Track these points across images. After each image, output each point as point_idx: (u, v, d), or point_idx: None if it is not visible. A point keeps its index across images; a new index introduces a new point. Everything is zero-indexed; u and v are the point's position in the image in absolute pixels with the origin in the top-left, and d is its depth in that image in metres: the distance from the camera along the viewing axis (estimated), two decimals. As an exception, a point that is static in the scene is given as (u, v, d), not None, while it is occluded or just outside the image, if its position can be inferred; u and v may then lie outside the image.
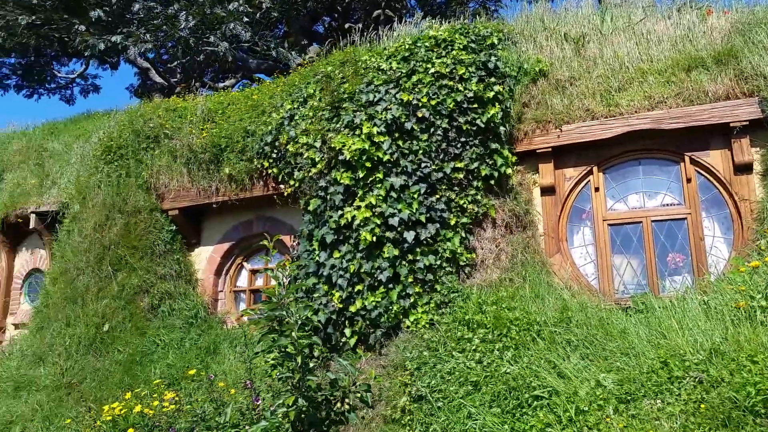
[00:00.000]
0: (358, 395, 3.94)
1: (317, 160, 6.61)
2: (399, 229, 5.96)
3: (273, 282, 7.91)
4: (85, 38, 11.29)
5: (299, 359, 3.68)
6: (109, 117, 9.99)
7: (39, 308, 8.34)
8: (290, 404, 3.63)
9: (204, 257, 8.30)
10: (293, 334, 3.73)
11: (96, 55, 12.30)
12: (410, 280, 5.89)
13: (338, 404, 3.91)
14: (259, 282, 8.21)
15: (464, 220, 6.20)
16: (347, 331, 6.00)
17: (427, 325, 5.75)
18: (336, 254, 6.13)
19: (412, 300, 5.86)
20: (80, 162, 9.18)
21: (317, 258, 6.27)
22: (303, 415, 3.73)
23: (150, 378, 6.47)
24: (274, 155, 7.32)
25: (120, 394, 6.35)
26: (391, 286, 5.89)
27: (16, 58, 16.25)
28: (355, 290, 5.98)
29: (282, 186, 7.27)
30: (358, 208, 6.07)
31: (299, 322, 3.79)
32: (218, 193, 7.87)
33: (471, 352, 5.14)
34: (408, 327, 5.82)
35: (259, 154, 7.48)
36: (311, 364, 3.80)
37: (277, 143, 7.27)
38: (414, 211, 5.99)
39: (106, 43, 11.22)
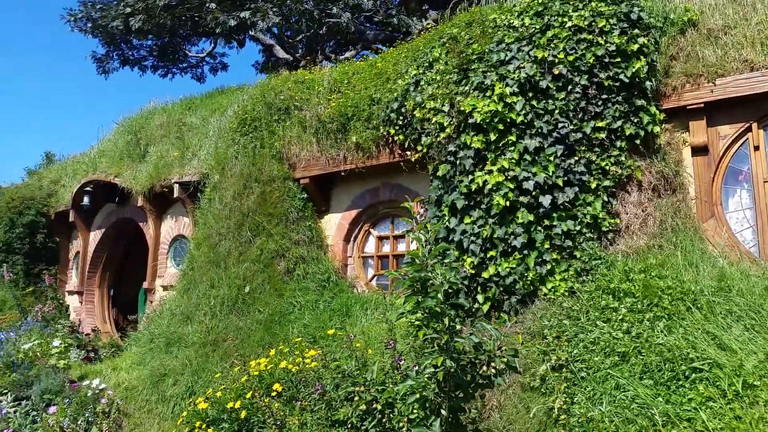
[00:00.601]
0: (504, 360, 3.87)
1: (445, 124, 6.49)
2: (534, 193, 5.74)
3: (401, 247, 8.04)
4: (216, 15, 11.85)
5: (446, 321, 3.67)
6: (242, 91, 10.46)
7: (185, 271, 8.99)
8: (438, 365, 3.64)
9: (333, 224, 8.52)
10: (439, 296, 3.71)
11: (225, 32, 12.93)
12: (546, 246, 5.66)
13: (483, 367, 3.87)
14: (386, 249, 8.31)
15: (606, 183, 5.84)
16: (480, 297, 5.90)
17: (567, 293, 5.52)
18: (467, 220, 6.03)
19: (548, 267, 5.64)
20: (217, 134, 9.69)
21: (447, 224, 6.20)
22: (450, 377, 3.73)
23: (288, 336, 6.77)
24: (400, 122, 7.30)
25: (261, 351, 6.71)
26: (526, 252, 5.70)
27: (152, 40, 17.46)
28: (488, 256, 5.85)
29: (408, 152, 7.24)
30: (490, 172, 5.90)
31: (444, 284, 3.77)
32: (346, 161, 8.01)
33: (617, 321, 4.89)
34: (545, 295, 5.62)
35: (385, 122, 7.49)
36: (457, 327, 3.78)
37: (403, 110, 7.23)
38: (550, 174, 5.74)
39: (236, 20, 11.71)
